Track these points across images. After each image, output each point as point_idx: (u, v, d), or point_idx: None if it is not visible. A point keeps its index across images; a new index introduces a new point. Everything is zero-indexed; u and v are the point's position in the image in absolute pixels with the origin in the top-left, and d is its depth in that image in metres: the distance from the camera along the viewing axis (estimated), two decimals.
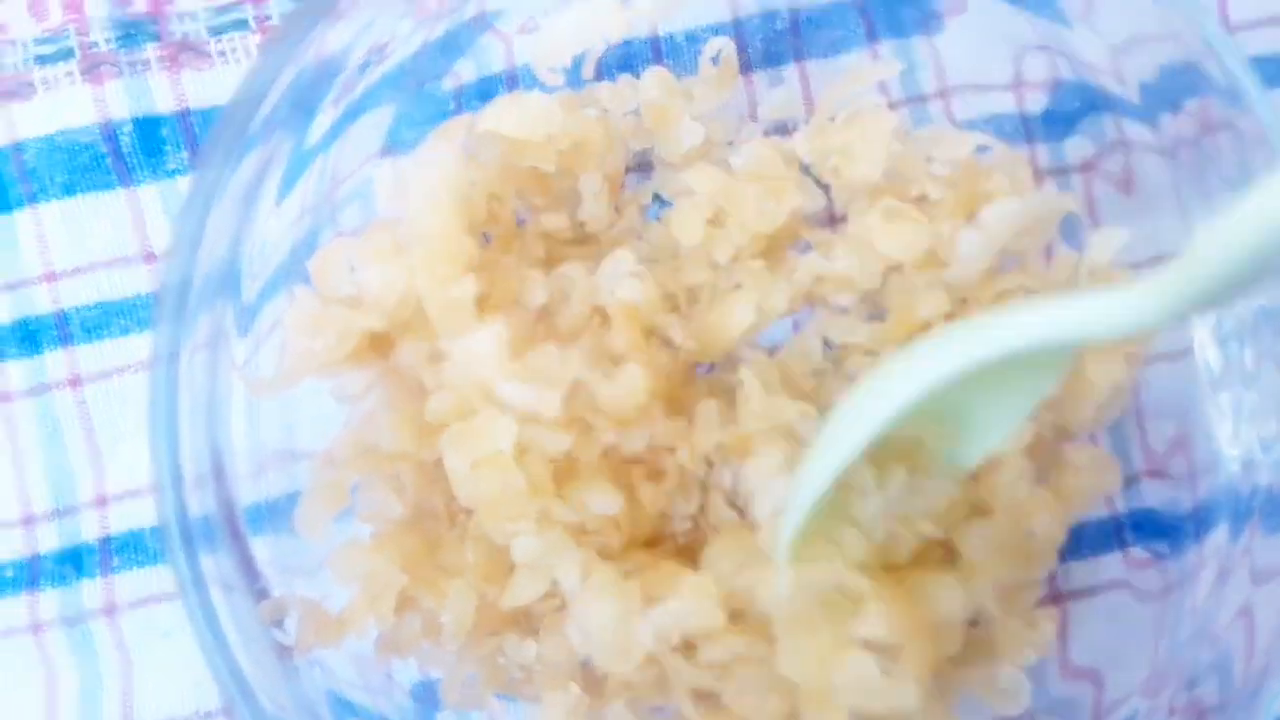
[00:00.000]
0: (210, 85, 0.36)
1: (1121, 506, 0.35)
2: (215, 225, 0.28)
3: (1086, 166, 0.35)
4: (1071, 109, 0.35)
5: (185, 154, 0.36)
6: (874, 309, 0.33)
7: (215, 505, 0.28)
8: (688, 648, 0.29)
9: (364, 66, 0.32)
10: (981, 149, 0.33)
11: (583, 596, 0.27)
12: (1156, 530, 0.34)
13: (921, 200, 0.32)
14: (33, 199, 0.36)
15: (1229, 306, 0.32)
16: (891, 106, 0.36)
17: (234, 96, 0.29)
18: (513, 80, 0.36)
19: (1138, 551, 0.35)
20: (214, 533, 0.28)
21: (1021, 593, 0.31)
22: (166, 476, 0.27)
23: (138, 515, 0.35)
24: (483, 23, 0.35)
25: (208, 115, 0.36)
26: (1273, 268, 0.21)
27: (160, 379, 0.27)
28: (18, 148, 0.36)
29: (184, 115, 0.36)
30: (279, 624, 0.28)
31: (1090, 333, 0.24)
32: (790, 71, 0.37)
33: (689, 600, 0.27)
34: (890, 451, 0.29)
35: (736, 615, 0.28)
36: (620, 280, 0.30)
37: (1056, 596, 0.35)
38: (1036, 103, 0.35)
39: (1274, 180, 0.20)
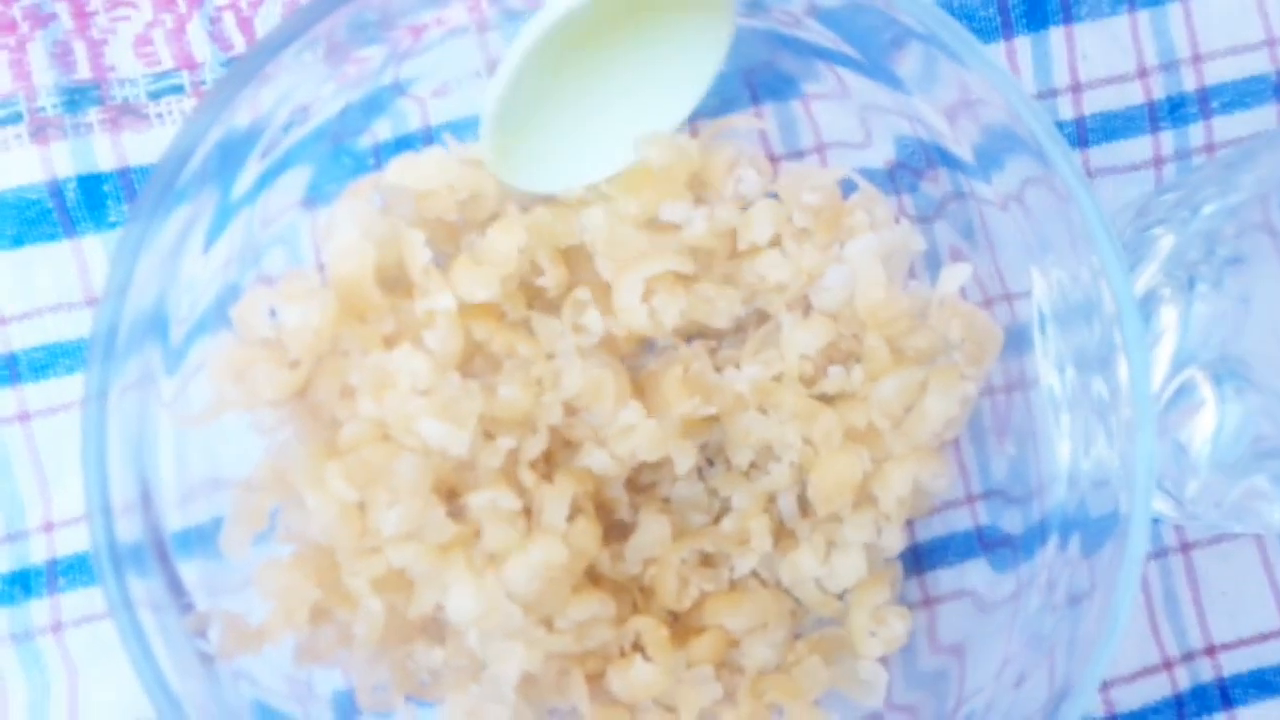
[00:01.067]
0: (149, 144, 0.39)
1: (984, 520, 0.39)
2: (144, 273, 0.31)
3: (940, 215, 0.39)
4: (924, 165, 0.39)
5: (125, 207, 0.39)
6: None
7: (143, 531, 0.31)
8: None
9: (287, 126, 0.35)
10: (847, 184, 0.36)
11: (452, 590, 0.30)
12: (1005, 542, 0.38)
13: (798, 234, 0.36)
14: None
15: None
16: (774, 159, 0.40)
17: (164, 153, 0.32)
18: (428, 138, 0.39)
19: (993, 559, 0.38)
20: (143, 557, 0.31)
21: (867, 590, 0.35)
22: (96, 505, 0.30)
23: (82, 540, 0.38)
24: (398, 89, 0.38)
25: (146, 171, 0.39)
26: None
27: (91, 415, 0.30)
28: None
29: (124, 172, 0.39)
30: (203, 635, 0.31)
31: None
32: (682, 129, 0.40)
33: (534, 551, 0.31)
34: None
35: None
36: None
37: (927, 601, 0.39)
38: (894, 159, 0.39)
39: None
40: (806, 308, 0.36)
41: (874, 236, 0.35)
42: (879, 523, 0.34)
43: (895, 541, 0.35)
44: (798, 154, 0.40)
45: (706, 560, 0.35)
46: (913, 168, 0.39)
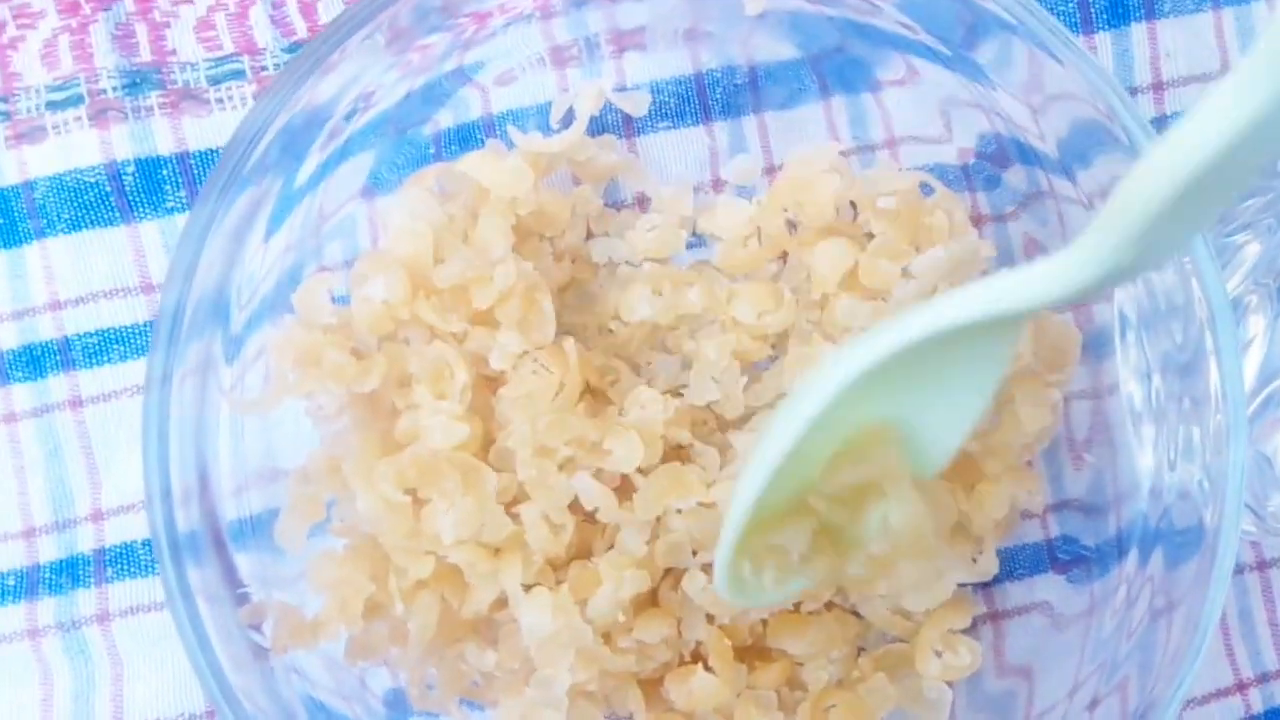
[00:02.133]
0: (208, 130, 0.39)
1: (1055, 531, 0.38)
2: (208, 259, 0.31)
3: (1018, 214, 0.38)
4: (1003, 162, 0.38)
5: (184, 193, 0.39)
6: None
7: (201, 520, 0.31)
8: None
9: (350, 114, 0.35)
10: (924, 188, 0.35)
11: (524, 602, 0.30)
12: (1081, 555, 0.37)
13: (869, 238, 0.35)
14: (41, 234, 0.39)
15: (1159, 268, 0.32)
16: (844, 154, 0.39)
17: (230, 140, 0.32)
18: (489, 127, 0.39)
19: (1065, 573, 0.37)
20: (200, 546, 0.31)
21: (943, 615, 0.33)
22: (157, 492, 0.29)
23: (131, 529, 0.38)
24: (461, 76, 0.38)
25: (205, 157, 0.39)
26: (1189, 213, 0.20)
27: (153, 401, 0.30)
28: (29, 186, 0.39)
29: (183, 157, 0.39)
30: (258, 628, 0.31)
31: (1025, 302, 0.23)
32: (749, 122, 0.40)
33: (612, 580, 0.30)
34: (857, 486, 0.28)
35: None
36: None
37: (994, 615, 0.38)
38: (973, 155, 0.38)
39: (1178, 131, 0.20)
40: None
41: (943, 251, 0.34)
42: (969, 550, 0.33)
43: (990, 567, 0.33)
44: (868, 148, 0.39)
45: None
46: (990, 164, 0.38)
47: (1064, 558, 0.37)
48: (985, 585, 0.38)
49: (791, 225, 0.37)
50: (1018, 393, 0.33)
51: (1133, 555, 0.34)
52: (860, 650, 0.35)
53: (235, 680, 0.29)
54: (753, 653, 0.34)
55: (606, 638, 0.31)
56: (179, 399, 0.30)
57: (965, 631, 0.35)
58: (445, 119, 0.38)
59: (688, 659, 0.33)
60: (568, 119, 0.37)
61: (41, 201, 0.39)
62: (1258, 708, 0.40)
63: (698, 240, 0.38)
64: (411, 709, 0.33)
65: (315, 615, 0.31)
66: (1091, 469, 0.37)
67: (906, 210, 0.35)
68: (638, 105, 0.38)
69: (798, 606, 0.34)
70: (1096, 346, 0.36)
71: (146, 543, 0.38)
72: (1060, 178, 0.35)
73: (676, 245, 0.36)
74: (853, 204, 0.37)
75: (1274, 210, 0.35)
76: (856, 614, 0.35)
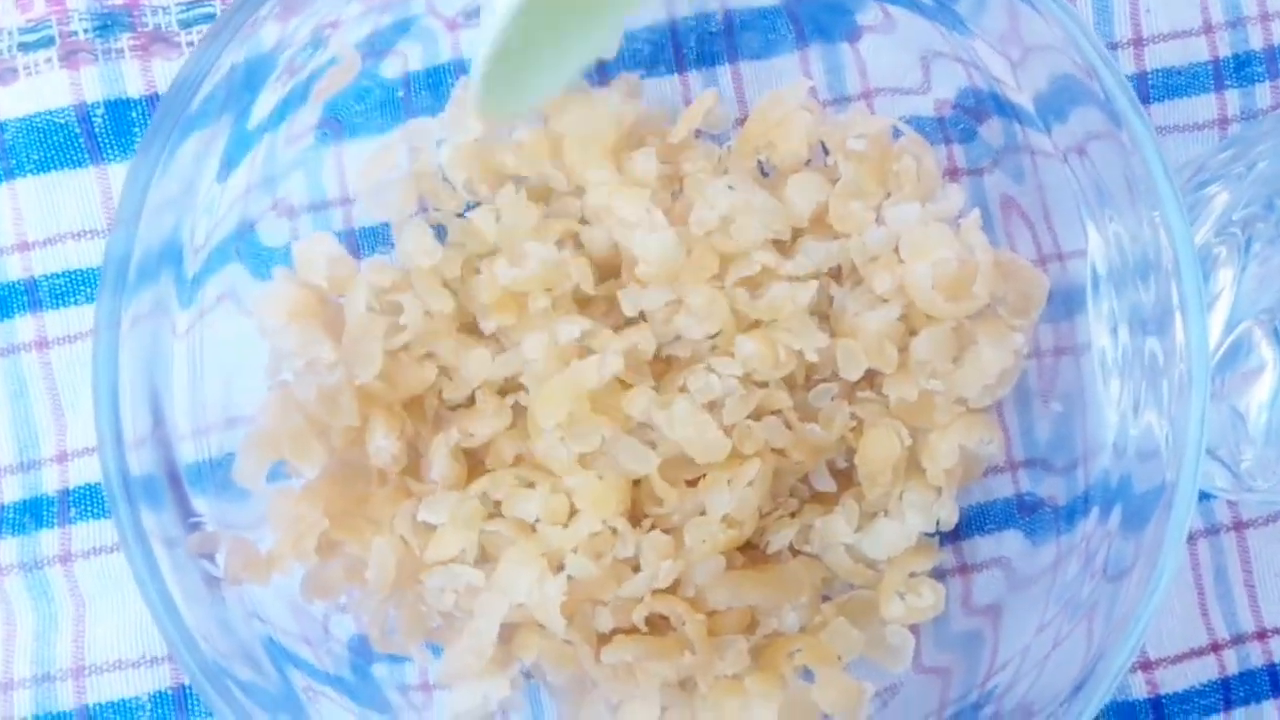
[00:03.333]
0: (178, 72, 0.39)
1: (1025, 487, 0.38)
2: (156, 200, 0.31)
3: (993, 168, 0.38)
4: (980, 115, 0.37)
5: None
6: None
7: (156, 464, 0.31)
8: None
9: (309, 49, 0.35)
10: (895, 133, 0.35)
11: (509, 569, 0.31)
12: (1049, 509, 0.37)
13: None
14: (9, 174, 0.39)
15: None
16: (821, 105, 0.39)
17: (177, 76, 0.31)
18: (459, 69, 0.38)
19: (1027, 530, 0.37)
20: (155, 489, 0.31)
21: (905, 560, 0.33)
22: (109, 436, 0.29)
23: (95, 471, 0.38)
24: (429, 10, 0.37)
25: None
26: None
27: (102, 345, 0.29)
28: None
29: (153, 99, 0.39)
30: (210, 558, 0.31)
31: None
32: (723, 71, 0.39)
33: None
34: None
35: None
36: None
37: (963, 569, 0.38)
38: (949, 107, 0.38)
39: None
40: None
41: (918, 206, 0.34)
42: (928, 497, 0.33)
43: (950, 515, 0.33)
44: (843, 99, 0.39)
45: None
46: (966, 116, 0.37)
47: (1031, 513, 0.37)
48: (955, 539, 0.38)
49: (762, 171, 0.37)
50: (980, 333, 0.33)
51: (1094, 511, 0.34)
52: (824, 599, 0.35)
53: (191, 621, 0.29)
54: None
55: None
56: (131, 343, 0.30)
57: None
58: (413, 56, 0.38)
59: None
60: None
61: (10, 142, 0.39)
62: (1232, 669, 0.40)
63: None
64: (375, 654, 0.33)
65: (269, 550, 0.31)
66: (1061, 424, 0.36)
67: (876, 152, 0.34)
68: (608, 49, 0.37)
69: (765, 548, 0.34)
70: (1069, 302, 0.36)
71: None
72: (1036, 131, 0.35)
73: None
74: (824, 148, 0.36)
75: (1244, 159, 0.35)
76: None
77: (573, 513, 0.33)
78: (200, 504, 0.32)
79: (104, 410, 0.29)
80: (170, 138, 0.30)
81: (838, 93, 0.39)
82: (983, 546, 0.38)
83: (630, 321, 0.33)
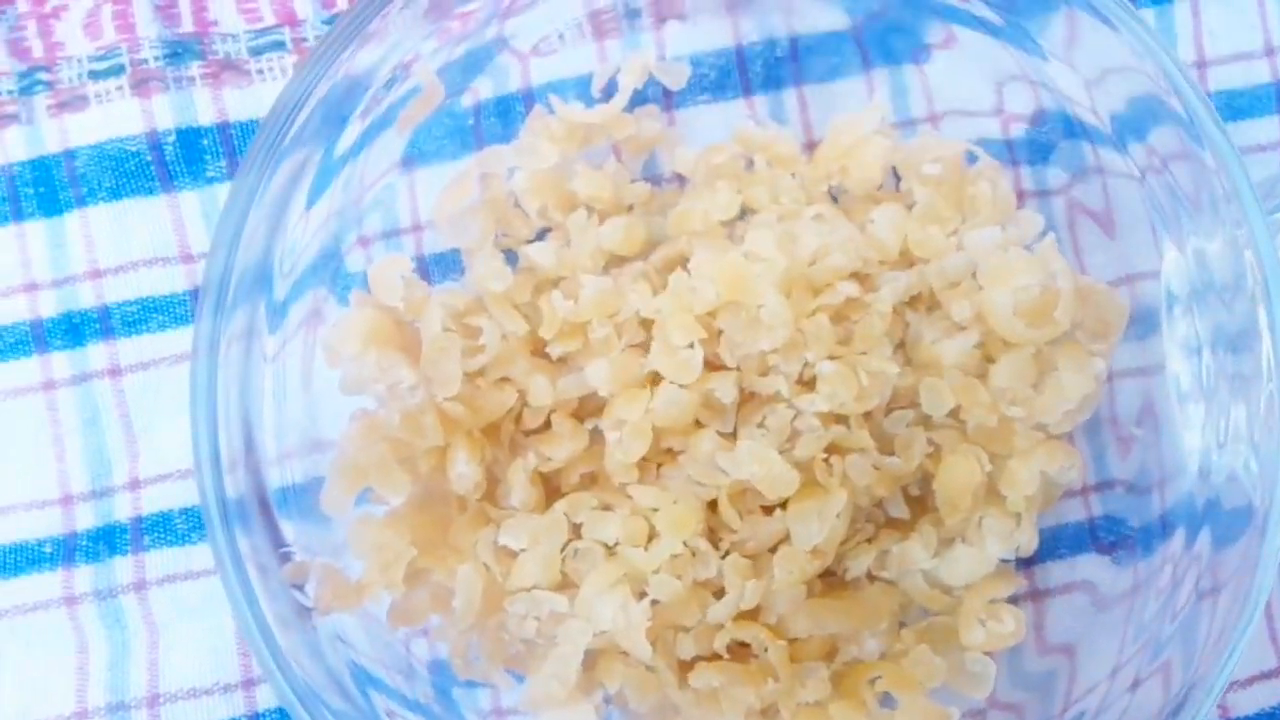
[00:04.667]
0: (249, 101, 0.39)
1: (1098, 510, 0.38)
2: (251, 227, 0.31)
3: (1065, 189, 0.38)
4: (1051, 136, 0.37)
5: (224, 163, 0.39)
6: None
7: (248, 487, 0.31)
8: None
9: (390, 83, 0.35)
10: (969, 157, 0.35)
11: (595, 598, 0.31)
12: (1125, 534, 0.36)
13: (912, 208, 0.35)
14: (81, 202, 0.39)
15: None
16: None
17: (272, 108, 0.32)
18: (529, 98, 0.39)
19: (1108, 553, 0.37)
20: (247, 513, 0.31)
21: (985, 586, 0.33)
22: (206, 457, 0.30)
23: (168, 498, 0.38)
24: (500, 43, 0.38)
25: (246, 128, 0.39)
26: None
27: (201, 367, 0.30)
28: (70, 155, 0.39)
29: (224, 127, 0.39)
30: (300, 587, 0.31)
31: None
32: (789, 95, 0.40)
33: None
34: None
35: None
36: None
37: (1035, 594, 0.37)
38: (1019, 129, 0.38)
39: None
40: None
41: (998, 230, 0.34)
42: (1008, 524, 0.33)
43: (1030, 542, 0.33)
44: (910, 122, 0.39)
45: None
46: (1037, 138, 0.37)
47: (1107, 537, 0.37)
48: (1027, 564, 0.37)
49: (832, 196, 0.37)
50: (1060, 359, 0.33)
51: (1178, 535, 0.34)
52: (901, 625, 0.35)
53: (284, 645, 0.29)
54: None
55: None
56: (225, 365, 0.30)
57: None
58: (484, 88, 0.38)
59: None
60: (608, 90, 0.37)
61: (82, 170, 0.39)
62: None
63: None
64: (454, 679, 0.33)
65: (358, 578, 0.31)
66: (1136, 448, 0.36)
67: (951, 177, 0.34)
68: (678, 77, 0.37)
69: (842, 574, 0.34)
70: (1141, 324, 0.36)
71: (184, 511, 0.38)
72: (1111, 152, 0.35)
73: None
74: (895, 174, 0.37)
75: None
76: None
77: (651, 535, 0.33)
78: (286, 528, 0.32)
79: (202, 433, 0.30)
80: (267, 164, 0.31)
81: (903, 116, 0.39)
82: (1055, 571, 0.38)
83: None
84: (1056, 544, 0.38)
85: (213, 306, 0.30)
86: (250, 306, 0.32)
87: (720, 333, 0.33)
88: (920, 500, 0.36)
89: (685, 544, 0.32)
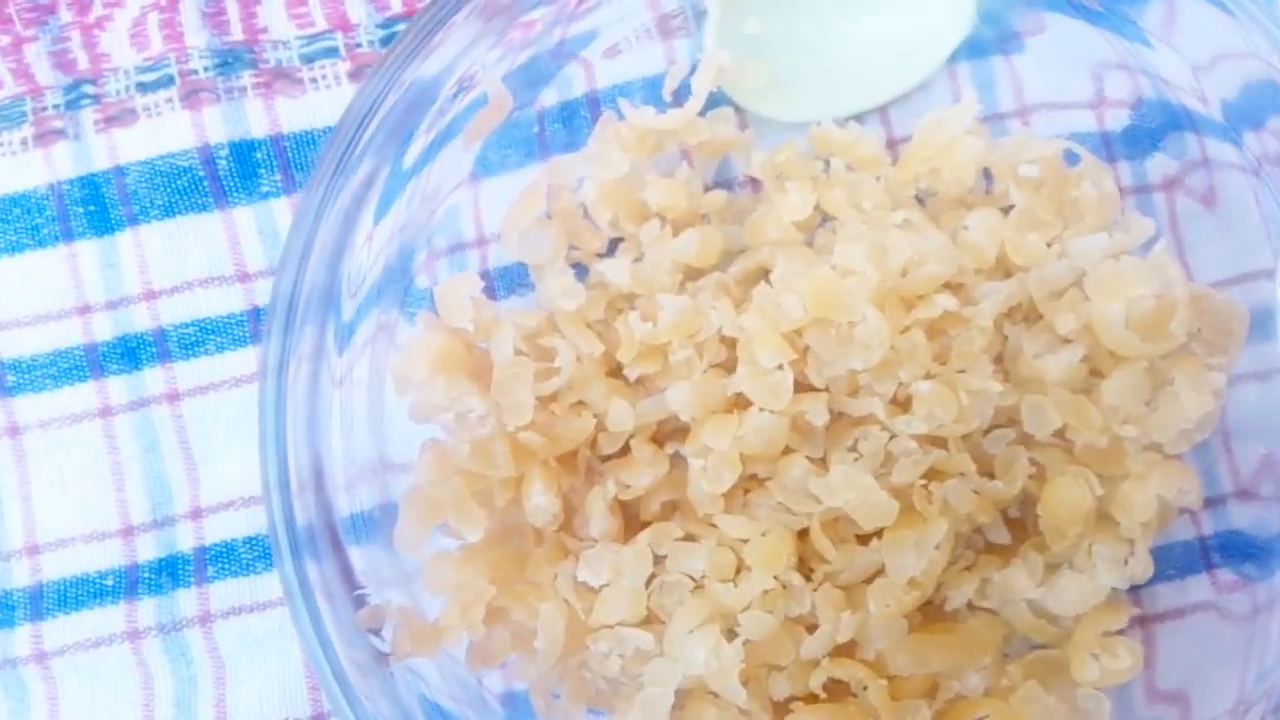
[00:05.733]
0: (303, 111, 0.38)
1: (1209, 528, 0.35)
2: (320, 244, 0.30)
3: (1169, 184, 0.35)
4: (1153, 127, 0.35)
5: (279, 177, 0.38)
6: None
7: (317, 514, 0.30)
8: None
9: (455, 95, 0.34)
10: (1069, 156, 0.33)
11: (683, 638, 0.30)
12: (1244, 552, 0.34)
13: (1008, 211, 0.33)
14: (133, 220, 0.38)
15: None
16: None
17: (339, 122, 0.31)
18: (594, 104, 0.37)
19: (1225, 574, 0.35)
20: (316, 541, 0.30)
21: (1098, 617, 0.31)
22: (274, 483, 0.28)
23: (231, 527, 0.37)
24: (565, 51, 0.36)
25: (301, 139, 0.38)
26: None
27: (269, 390, 0.29)
28: (120, 171, 0.38)
29: (277, 139, 0.38)
30: (376, 632, 0.30)
31: None
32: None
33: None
34: None
35: None
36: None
37: (1143, 619, 0.35)
38: (1117, 121, 0.36)
39: None
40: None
41: (1105, 237, 0.32)
42: (1121, 550, 0.31)
43: (1145, 570, 0.31)
44: (996, 118, 0.37)
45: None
46: (1138, 130, 0.35)
47: (1222, 556, 0.35)
48: (1132, 587, 0.35)
49: (919, 200, 0.35)
50: (1177, 375, 0.31)
51: None
52: (1004, 657, 0.33)
53: (354, 680, 0.28)
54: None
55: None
56: (293, 388, 0.29)
57: None
58: (549, 97, 0.37)
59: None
60: (680, 94, 0.36)
61: (134, 187, 0.38)
62: None
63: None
64: (531, 711, 0.32)
65: (436, 619, 0.30)
66: (1253, 457, 0.34)
67: (1051, 179, 0.32)
68: (756, 78, 0.36)
69: (942, 605, 0.32)
70: (1254, 327, 0.34)
71: (248, 541, 0.37)
72: (1221, 143, 0.33)
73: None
74: (986, 174, 0.35)
75: None
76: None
77: (740, 568, 0.31)
78: (355, 555, 0.31)
79: (270, 457, 0.29)
80: (335, 178, 0.30)
81: (990, 110, 0.37)
82: (1164, 595, 0.36)
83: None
84: (1164, 564, 0.36)
85: (281, 326, 0.29)
86: (318, 327, 0.31)
87: (807, 350, 0.31)
88: (1020, 523, 0.34)
89: (776, 578, 0.30)
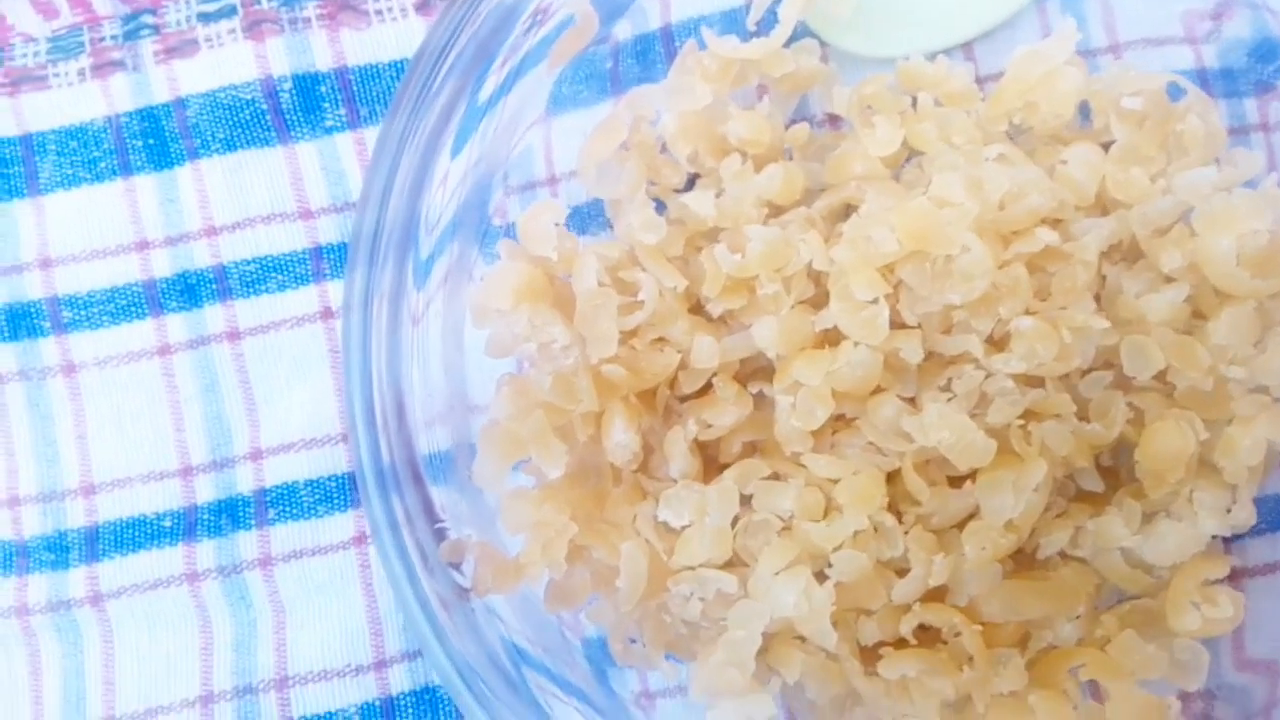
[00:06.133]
0: (367, 44, 0.37)
1: None
2: (400, 177, 0.29)
3: (1268, 125, 0.34)
4: (1254, 64, 0.34)
5: (343, 111, 0.37)
6: None
7: (400, 452, 0.29)
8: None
9: (529, 27, 0.33)
10: (1174, 90, 0.32)
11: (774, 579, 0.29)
12: None
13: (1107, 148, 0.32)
14: (194, 154, 0.37)
15: None
16: None
17: (417, 53, 0.30)
18: (669, 37, 0.36)
19: None
20: (400, 480, 0.29)
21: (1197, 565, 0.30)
22: (361, 420, 0.28)
23: (292, 469, 0.36)
24: None
25: (366, 73, 0.37)
26: None
27: (354, 324, 0.28)
28: (180, 104, 0.37)
29: (342, 72, 0.37)
30: (457, 566, 0.29)
31: None
32: None
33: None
34: None
35: None
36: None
37: (1234, 574, 0.34)
38: (1216, 58, 0.34)
39: None
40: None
41: (1213, 170, 0.30)
42: (1223, 497, 0.30)
43: (1247, 517, 0.30)
44: (1088, 53, 0.35)
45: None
46: (1244, 65, 0.34)
47: None
48: (1224, 540, 0.34)
49: (1009, 135, 0.34)
50: None
51: None
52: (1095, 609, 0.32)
53: (442, 620, 0.27)
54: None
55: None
56: (376, 324, 0.28)
57: None
58: (623, 30, 0.36)
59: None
60: (765, 24, 0.34)
61: (194, 120, 0.37)
62: None
63: None
64: (610, 659, 0.31)
65: (517, 556, 0.29)
66: None
67: (1155, 113, 0.31)
68: (843, 7, 0.34)
69: (1033, 554, 0.31)
70: None
71: (310, 484, 0.36)
72: None
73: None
74: (1081, 113, 0.33)
75: None
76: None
77: (829, 509, 0.30)
78: (436, 496, 0.30)
79: (356, 394, 0.28)
80: (416, 113, 0.29)
81: (1081, 46, 0.35)
82: (1256, 549, 0.34)
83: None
84: (1258, 516, 0.34)
85: (366, 260, 0.28)
86: (398, 263, 0.30)
87: (899, 286, 0.30)
88: (1112, 472, 0.33)
89: (869, 518, 0.29)
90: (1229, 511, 0.31)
